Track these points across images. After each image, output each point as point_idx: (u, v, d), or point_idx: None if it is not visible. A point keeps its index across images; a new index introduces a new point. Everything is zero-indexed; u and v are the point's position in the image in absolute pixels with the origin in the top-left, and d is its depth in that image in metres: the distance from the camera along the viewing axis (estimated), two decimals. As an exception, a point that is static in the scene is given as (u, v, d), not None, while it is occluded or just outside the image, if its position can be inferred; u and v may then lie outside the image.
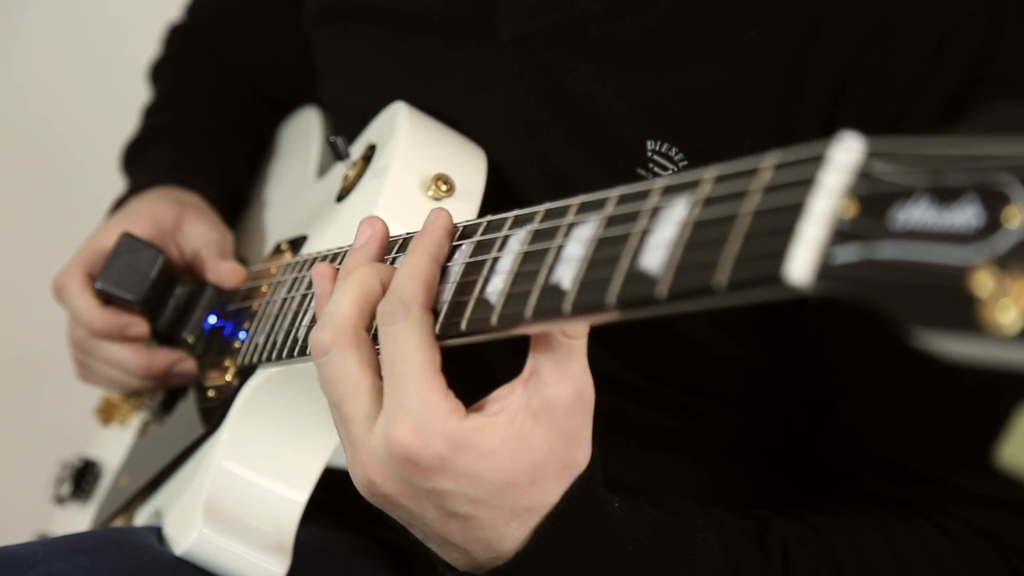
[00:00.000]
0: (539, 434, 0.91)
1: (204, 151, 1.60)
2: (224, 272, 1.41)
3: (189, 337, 1.40)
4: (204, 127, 1.63)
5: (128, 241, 1.40)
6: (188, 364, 1.42)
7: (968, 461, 1.13)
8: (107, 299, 1.41)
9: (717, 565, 1.02)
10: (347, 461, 0.96)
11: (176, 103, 1.68)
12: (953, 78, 1.10)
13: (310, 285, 1.21)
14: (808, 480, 1.27)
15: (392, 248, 1.09)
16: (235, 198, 1.61)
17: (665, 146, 1.18)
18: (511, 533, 0.94)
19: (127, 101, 1.81)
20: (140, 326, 1.41)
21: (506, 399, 0.92)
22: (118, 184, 1.61)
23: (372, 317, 0.96)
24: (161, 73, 1.73)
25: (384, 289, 0.96)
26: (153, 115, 1.68)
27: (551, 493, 0.93)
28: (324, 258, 1.19)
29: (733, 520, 1.07)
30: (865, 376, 1.17)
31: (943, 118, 1.10)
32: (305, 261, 1.25)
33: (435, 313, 0.95)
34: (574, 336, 0.91)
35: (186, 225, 1.46)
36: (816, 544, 1.10)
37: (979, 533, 1.13)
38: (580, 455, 0.94)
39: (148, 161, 1.60)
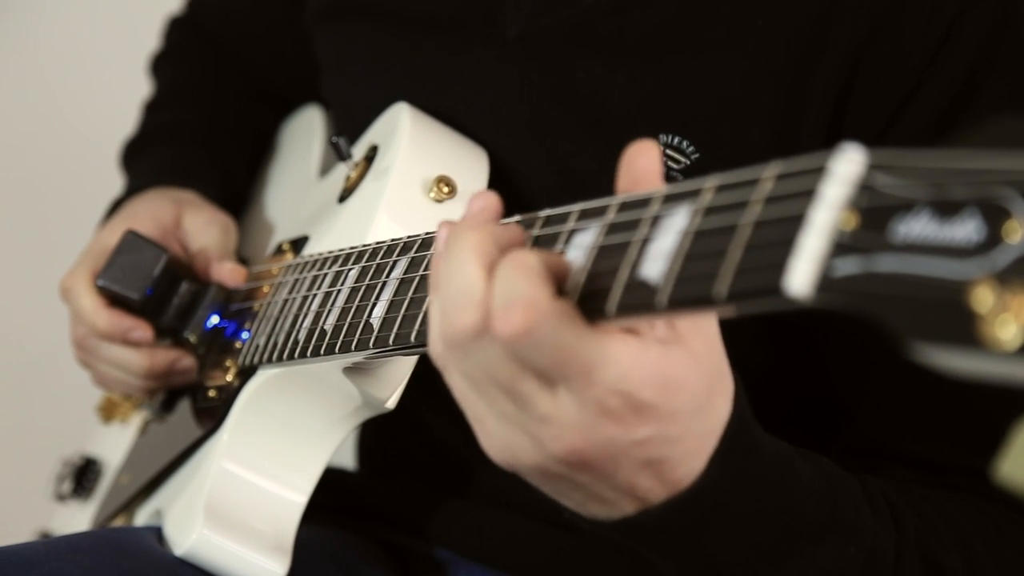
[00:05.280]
0: (698, 348, 0.85)
1: (201, 151, 1.58)
2: (224, 274, 1.40)
3: (191, 336, 1.38)
4: (201, 127, 1.62)
5: (131, 239, 1.38)
6: (188, 362, 1.41)
7: (994, 447, 1.11)
8: (111, 298, 1.40)
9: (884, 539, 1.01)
10: (518, 445, 0.87)
11: (175, 101, 1.67)
12: (964, 59, 1.10)
13: (311, 286, 1.21)
14: None
15: (393, 252, 1.08)
16: (234, 197, 1.60)
17: (676, 139, 1.17)
18: (695, 467, 0.89)
19: (129, 98, 1.81)
20: (143, 330, 1.39)
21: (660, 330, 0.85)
22: (119, 182, 1.61)
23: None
24: (161, 68, 1.72)
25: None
26: (152, 113, 1.68)
27: (723, 408, 0.89)
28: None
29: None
30: (876, 379, 1.16)
31: (954, 100, 1.10)
32: (307, 262, 1.25)
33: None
34: None
35: (186, 222, 1.45)
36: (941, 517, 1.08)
37: (1017, 510, 1.11)
38: (725, 367, 0.90)
39: (145, 162, 1.59)
